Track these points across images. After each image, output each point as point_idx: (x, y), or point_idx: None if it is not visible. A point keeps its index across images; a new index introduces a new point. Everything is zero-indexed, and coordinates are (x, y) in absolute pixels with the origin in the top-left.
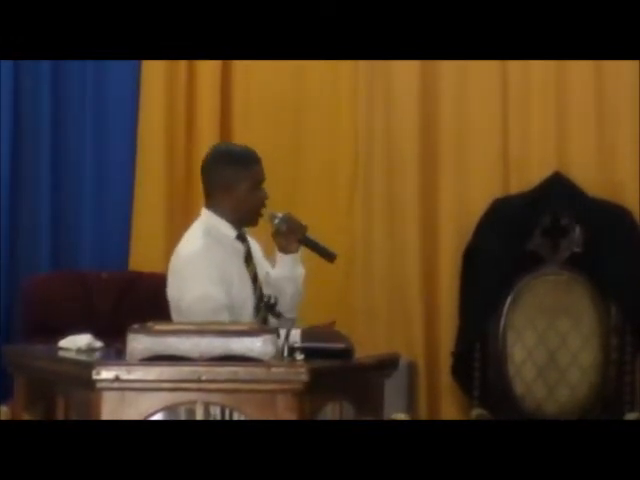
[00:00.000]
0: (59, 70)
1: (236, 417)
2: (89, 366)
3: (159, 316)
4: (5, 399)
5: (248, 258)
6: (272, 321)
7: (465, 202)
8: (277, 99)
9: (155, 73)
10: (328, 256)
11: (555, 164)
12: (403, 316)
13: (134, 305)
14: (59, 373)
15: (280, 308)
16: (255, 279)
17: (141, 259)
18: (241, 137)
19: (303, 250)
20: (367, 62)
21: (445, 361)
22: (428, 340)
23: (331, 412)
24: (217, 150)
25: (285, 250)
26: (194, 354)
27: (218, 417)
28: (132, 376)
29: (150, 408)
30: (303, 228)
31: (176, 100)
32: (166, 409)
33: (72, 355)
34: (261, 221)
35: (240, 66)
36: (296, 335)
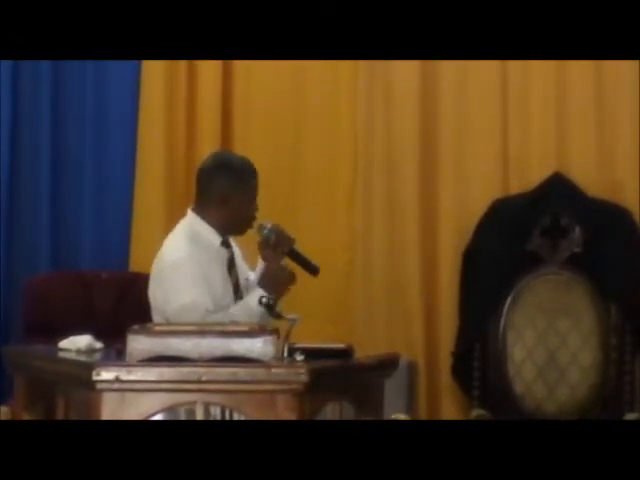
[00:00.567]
0: (59, 70)
1: (236, 417)
2: (89, 367)
3: None
4: (5, 399)
5: (231, 265)
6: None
7: (465, 202)
8: (277, 99)
9: (155, 73)
10: (312, 270)
11: (555, 164)
12: (403, 316)
13: (134, 305)
14: (59, 373)
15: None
16: (237, 285)
17: (141, 259)
18: (241, 137)
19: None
20: (367, 62)
21: (445, 361)
22: (428, 340)
23: (331, 412)
24: (216, 159)
25: (269, 261)
26: (194, 355)
27: (218, 417)
28: (132, 377)
29: (150, 409)
30: (291, 240)
31: (176, 100)
32: (166, 410)
33: (72, 356)
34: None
35: (240, 66)
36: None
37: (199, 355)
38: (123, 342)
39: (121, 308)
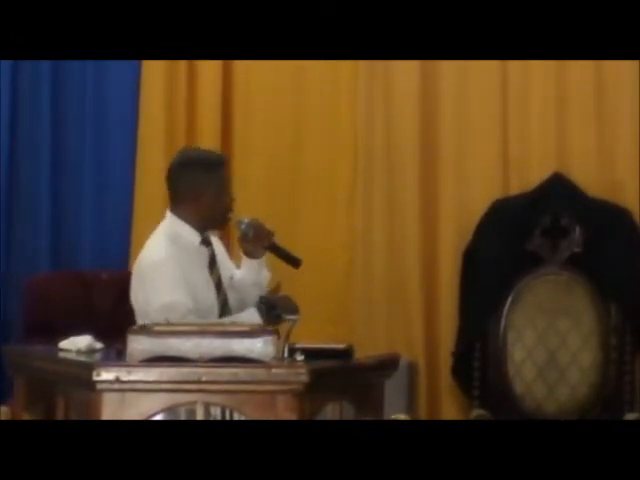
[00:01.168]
0: (59, 70)
1: (236, 418)
2: (89, 367)
3: None
4: (5, 399)
5: (212, 263)
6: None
7: (465, 202)
8: (277, 99)
9: (155, 73)
10: (293, 262)
11: (555, 164)
12: (403, 316)
13: None
14: (59, 374)
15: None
16: (219, 284)
17: None
18: (241, 137)
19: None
20: (367, 62)
21: (445, 361)
22: (428, 340)
23: (331, 412)
24: (182, 155)
25: (251, 255)
26: (194, 355)
27: (218, 418)
28: (132, 377)
29: (150, 409)
30: (269, 234)
31: (176, 100)
32: (166, 410)
33: (72, 356)
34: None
35: (240, 66)
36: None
37: (199, 355)
38: (123, 342)
39: (121, 308)
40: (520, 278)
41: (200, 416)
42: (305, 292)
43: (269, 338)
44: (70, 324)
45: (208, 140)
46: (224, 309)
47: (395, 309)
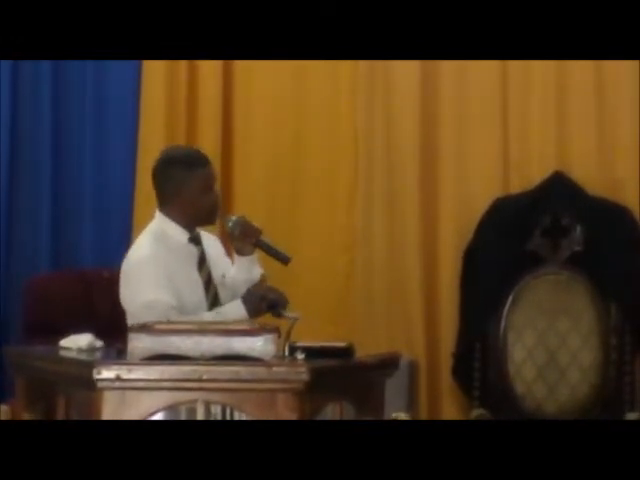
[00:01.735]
0: (59, 70)
1: (237, 416)
2: (90, 366)
3: None
4: (6, 399)
5: (201, 261)
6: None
7: (465, 202)
8: (277, 99)
9: (156, 73)
10: (282, 259)
11: (555, 164)
12: (404, 316)
13: None
14: (60, 373)
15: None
16: (209, 282)
17: None
18: (241, 137)
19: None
20: (367, 62)
21: (446, 361)
22: (429, 340)
23: (331, 412)
24: (165, 153)
25: (240, 253)
26: (195, 353)
27: (219, 416)
28: (133, 375)
29: (151, 407)
30: (257, 231)
31: (177, 100)
32: (167, 408)
33: (73, 355)
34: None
35: (241, 66)
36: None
37: (200, 354)
38: (124, 341)
39: (122, 307)
40: (520, 278)
41: (201, 415)
42: (306, 291)
43: (270, 337)
44: (70, 323)
45: (208, 140)
46: (214, 307)
47: (395, 308)
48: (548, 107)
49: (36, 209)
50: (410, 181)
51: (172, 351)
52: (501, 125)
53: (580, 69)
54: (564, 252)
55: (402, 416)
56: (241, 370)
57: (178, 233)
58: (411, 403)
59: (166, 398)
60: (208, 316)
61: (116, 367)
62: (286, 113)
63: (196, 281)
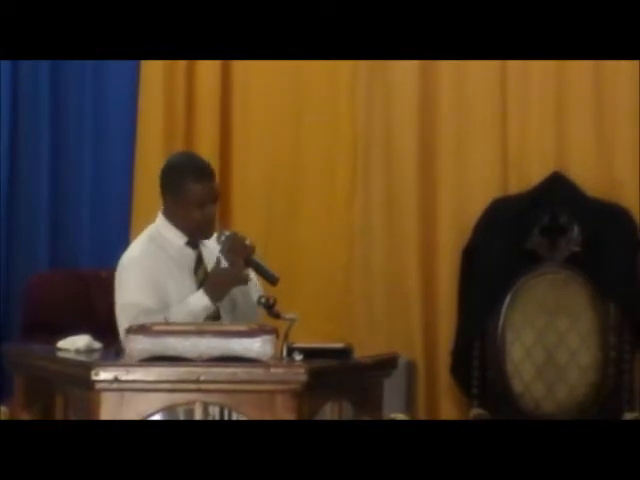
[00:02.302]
0: (58, 71)
1: (235, 417)
2: (88, 366)
3: None
4: (4, 398)
5: (198, 265)
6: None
7: (464, 201)
8: (276, 99)
9: (154, 73)
10: (271, 279)
11: (554, 164)
12: (402, 315)
13: None
14: (58, 373)
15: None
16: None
17: None
18: (240, 137)
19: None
20: (367, 62)
21: (444, 360)
22: (427, 339)
23: (330, 412)
24: (176, 158)
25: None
26: (193, 355)
27: (217, 418)
28: (131, 377)
29: (149, 408)
30: (248, 249)
31: (175, 100)
32: (165, 409)
33: (71, 355)
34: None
35: (240, 66)
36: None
37: (198, 355)
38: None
39: None
40: (519, 277)
41: (198, 416)
42: (304, 291)
43: (268, 337)
44: (70, 324)
45: (207, 140)
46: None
47: (394, 308)
48: (547, 107)
49: (35, 209)
50: (409, 181)
51: (170, 352)
52: (500, 125)
53: (579, 69)
54: (563, 252)
55: (400, 416)
56: (239, 371)
57: (175, 236)
58: (409, 403)
59: (164, 399)
60: (175, 310)
61: (114, 368)
62: (285, 113)
63: (189, 284)
